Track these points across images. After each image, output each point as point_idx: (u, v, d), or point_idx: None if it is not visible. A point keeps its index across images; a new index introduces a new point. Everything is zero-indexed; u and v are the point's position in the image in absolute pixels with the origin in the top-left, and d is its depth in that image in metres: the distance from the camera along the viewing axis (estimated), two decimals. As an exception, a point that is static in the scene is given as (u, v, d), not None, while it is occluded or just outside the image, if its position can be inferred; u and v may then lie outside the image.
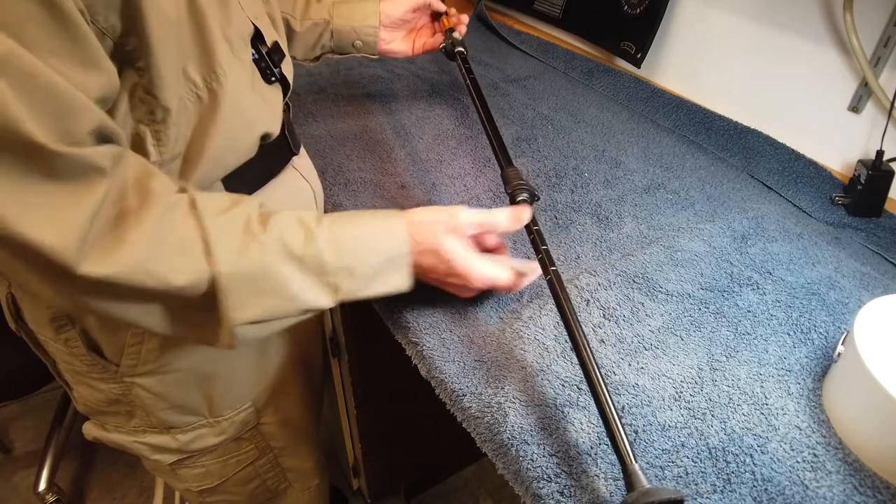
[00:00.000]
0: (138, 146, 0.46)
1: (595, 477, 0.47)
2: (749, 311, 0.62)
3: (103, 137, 0.40)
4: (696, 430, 0.50)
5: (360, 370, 0.97)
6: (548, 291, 0.63)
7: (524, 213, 0.57)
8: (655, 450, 0.49)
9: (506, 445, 0.49)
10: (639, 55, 1.06)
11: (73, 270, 0.38)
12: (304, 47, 0.85)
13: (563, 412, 0.51)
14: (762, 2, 0.89)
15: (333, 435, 1.22)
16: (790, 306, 0.63)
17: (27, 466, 1.43)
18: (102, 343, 0.57)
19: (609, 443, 0.49)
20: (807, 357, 0.58)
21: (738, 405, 0.53)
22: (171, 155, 0.48)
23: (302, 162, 0.67)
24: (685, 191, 0.82)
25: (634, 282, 0.65)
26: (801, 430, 0.51)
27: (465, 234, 0.55)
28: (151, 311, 0.45)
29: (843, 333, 0.55)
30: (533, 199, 0.61)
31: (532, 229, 0.58)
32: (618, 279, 0.65)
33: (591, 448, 0.49)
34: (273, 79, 0.56)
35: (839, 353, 0.52)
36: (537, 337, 0.58)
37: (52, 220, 0.37)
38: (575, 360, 0.56)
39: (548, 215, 0.76)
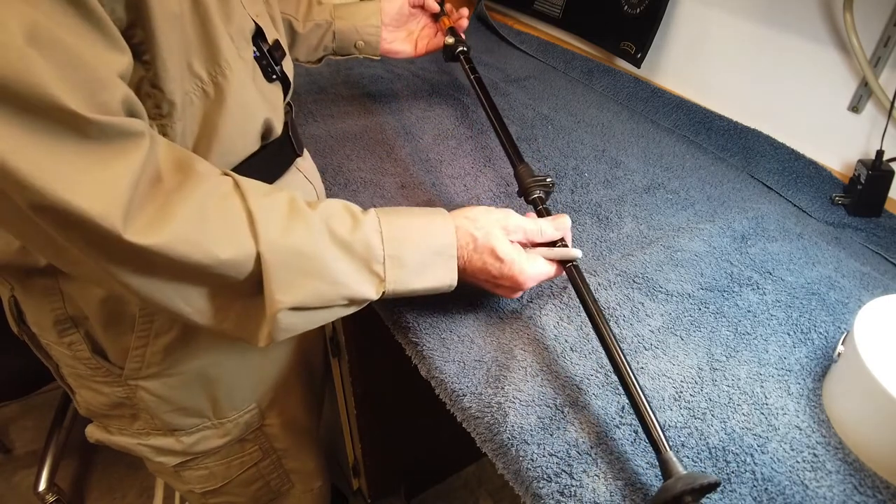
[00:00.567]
0: None
1: (595, 477, 0.47)
2: (749, 311, 0.62)
3: (131, 112, 0.40)
4: (696, 429, 0.50)
5: (360, 370, 0.97)
6: (548, 292, 0.64)
7: (567, 222, 0.58)
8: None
9: (506, 445, 0.49)
10: (639, 55, 1.06)
11: (120, 236, 0.37)
12: (307, 49, 0.85)
13: (563, 412, 0.51)
14: (762, 2, 0.89)
15: (333, 435, 1.22)
16: (790, 306, 0.63)
17: (27, 466, 1.43)
18: (107, 346, 0.57)
19: (609, 443, 0.49)
20: (807, 357, 0.58)
21: (738, 405, 0.53)
22: None
23: (305, 164, 0.67)
24: (685, 191, 0.82)
25: (634, 282, 0.65)
26: (801, 429, 0.51)
27: (514, 239, 0.55)
28: (193, 294, 0.44)
29: (843, 333, 0.55)
30: (548, 194, 0.63)
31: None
32: (618, 279, 0.65)
33: (591, 448, 0.49)
34: (274, 76, 0.56)
35: (839, 353, 0.52)
36: (537, 337, 0.58)
37: (93, 186, 0.36)
38: (575, 360, 0.56)
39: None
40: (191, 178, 0.42)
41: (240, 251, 0.43)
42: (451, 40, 0.86)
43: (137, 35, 0.41)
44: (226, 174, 0.46)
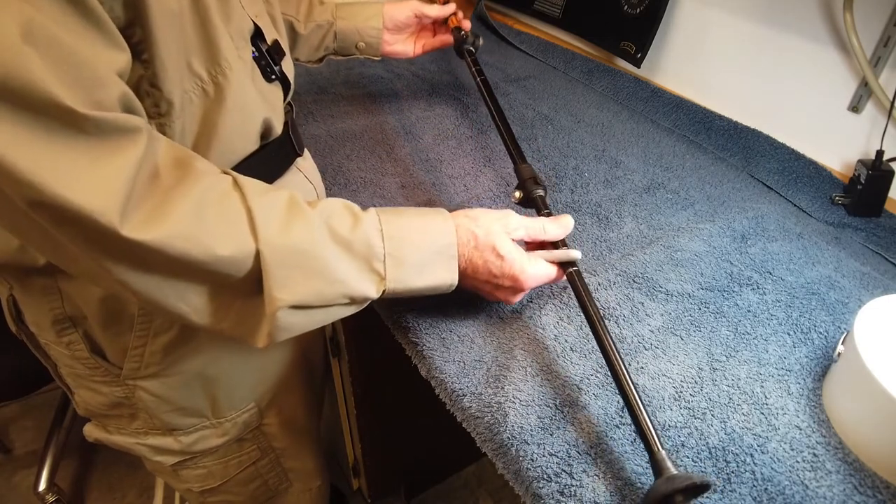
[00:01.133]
0: None
1: (595, 477, 0.47)
2: (749, 311, 0.62)
3: (129, 110, 0.40)
4: (696, 429, 0.50)
5: (360, 370, 0.97)
6: (548, 292, 0.63)
7: (570, 222, 0.58)
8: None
9: (506, 445, 0.49)
10: (639, 55, 1.06)
11: (117, 231, 0.37)
12: (308, 49, 0.86)
13: (563, 412, 0.51)
14: (762, 2, 0.89)
15: (333, 435, 1.22)
16: (790, 306, 0.63)
17: (27, 466, 1.43)
18: (105, 346, 0.57)
19: (609, 443, 0.49)
20: (807, 357, 0.58)
21: (738, 405, 0.53)
22: None
23: (306, 164, 0.67)
24: (685, 190, 0.82)
25: (634, 281, 0.65)
26: (801, 429, 0.51)
27: (516, 237, 0.55)
28: (191, 293, 0.44)
29: (843, 333, 0.55)
30: (545, 193, 0.63)
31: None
32: (618, 279, 0.65)
33: (591, 448, 0.49)
34: (273, 77, 0.56)
35: (839, 353, 0.52)
36: (537, 337, 0.58)
37: (90, 182, 0.36)
38: (575, 360, 0.56)
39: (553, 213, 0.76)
40: (189, 175, 0.42)
41: (239, 248, 0.43)
42: (466, 38, 0.87)
43: (136, 34, 0.41)
44: (225, 172, 0.46)
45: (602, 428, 0.50)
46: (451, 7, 0.91)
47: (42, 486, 1.24)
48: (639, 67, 1.08)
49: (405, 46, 0.90)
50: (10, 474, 1.43)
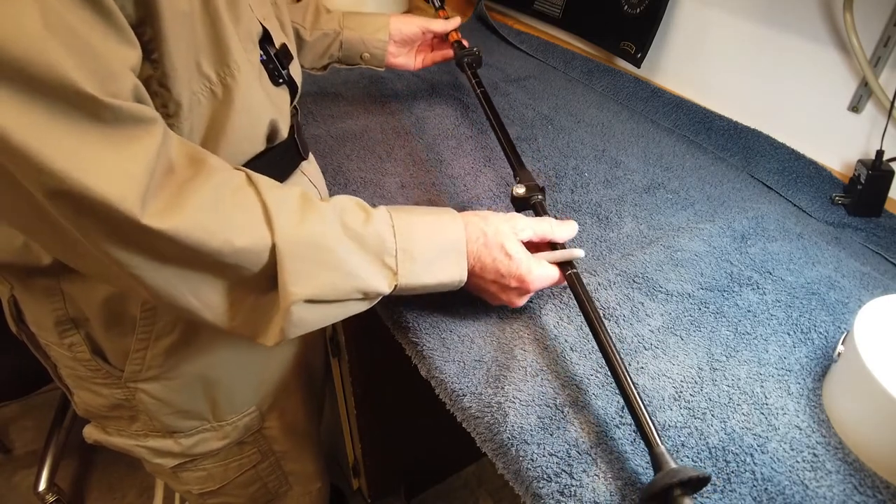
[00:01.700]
0: None
1: (595, 477, 0.47)
2: (749, 311, 0.62)
3: (140, 103, 0.40)
4: (696, 429, 0.50)
5: (360, 370, 0.97)
6: (548, 292, 0.64)
7: (575, 226, 0.59)
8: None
9: (506, 445, 0.49)
10: (639, 55, 1.06)
11: (137, 220, 0.37)
12: (313, 56, 0.87)
13: (563, 412, 0.51)
14: (762, 2, 0.89)
15: (333, 435, 1.22)
16: (790, 306, 0.63)
17: (27, 466, 1.43)
18: (107, 348, 0.57)
19: (609, 443, 0.49)
20: (807, 357, 0.58)
21: (738, 405, 0.53)
22: None
23: (311, 168, 0.67)
24: (685, 190, 0.82)
25: (634, 281, 0.65)
26: (801, 429, 0.51)
27: (523, 237, 0.56)
28: (204, 287, 0.44)
29: (843, 333, 0.55)
30: (543, 196, 0.64)
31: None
32: (618, 279, 0.65)
33: (591, 448, 0.49)
34: (280, 80, 0.56)
35: (839, 353, 0.52)
36: (537, 337, 0.58)
37: (111, 170, 0.36)
38: (575, 360, 0.56)
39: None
40: (203, 170, 0.42)
41: (255, 240, 0.43)
42: (467, 53, 0.89)
43: (147, 33, 0.41)
44: (238, 169, 0.46)
45: (602, 428, 0.50)
46: (455, 22, 0.93)
47: (42, 486, 1.24)
48: (639, 67, 1.08)
49: (407, 59, 0.92)
50: (10, 474, 1.43)
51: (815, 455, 0.49)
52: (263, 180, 0.46)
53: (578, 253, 0.57)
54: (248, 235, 0.43)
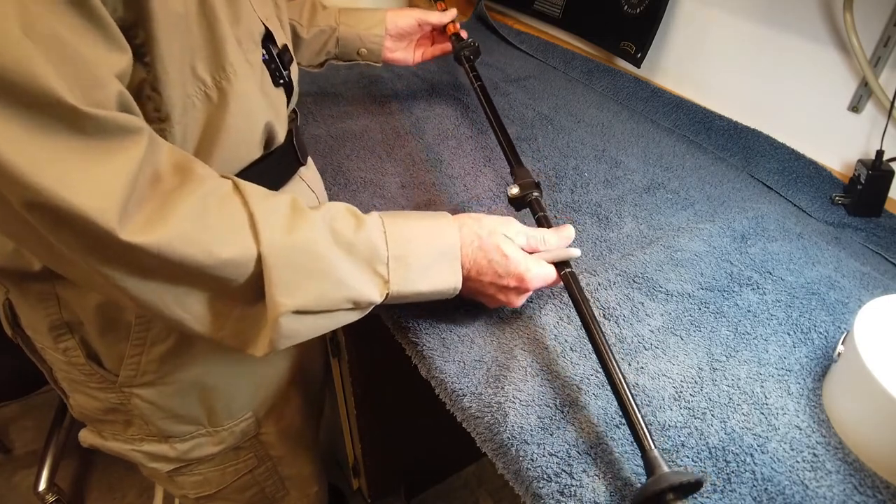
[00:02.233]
0: None
1: (595, 476, 0.47)
2: (749, 311, 0.62)
3: (126, 112, 0.39)
4: (696, 429, 0.50)
5: (360, 370, 0.97)
6: (548, 291, 0.64)
7: (571, 232, 0.59)
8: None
9: (506, 445, 0.49)
10: (639, 55, 1.06)
11: (115, 235, 0.36)
12: (310, 53, 0.86)
13: (563, 412, 0.51)
14: (762, 2, 0.89)
15: (333, 435, 1.22)
16: (790, 306, 0.63)
17: (27, 466, 1.43)
18: (102, 353, 0.56)
19: (609, 443, 0.49)
20: (807, 357, 0.58)
21: (738, 405, 0.53)
22: None
23: (309, 173, 0.66)
24: (685, 190, 0.82)
25: (634, 281, 0.65)
26: (801, 429, 0.51)
27: (517, 242, 0.55)
28: (191, 299, 0.43)
29: (843, 333, 0.55)
30: (542, 196, 0.64)
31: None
32: (618, 279, 0.65)
33: (591, 448, 0.49)
34: (281, 81, 0.56)
35: (839, 353, 0.52)
36: (537, 337, 0.58)
37: (88, 183, 0.35)
38: (575, 360, 0.56)
39: (548, 215, 0.76)
40: (190, 179, 0.41)
41: (241, 251, 0.42)
42: (463, 46, 0.88)
43: (139, 35, 0.40)
44: (225, 177, 0.45)
45: (602, 428, 0.50)
46: (452, 14, 0.91)
47: (42, 486, 1.24)
48: (639, 67, 1.08)
49: (406, 54, 0.91)
50: (10, 474, 1.43)
51: (815, 455, 0.49)
52: (251, 188, 0.45)
53: (575, 252, 0.57)
54: (233, 246, 0.42)
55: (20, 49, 0.32)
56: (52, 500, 1.25)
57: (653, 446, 0.43)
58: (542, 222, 0.60)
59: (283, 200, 0.46)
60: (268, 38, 0.53)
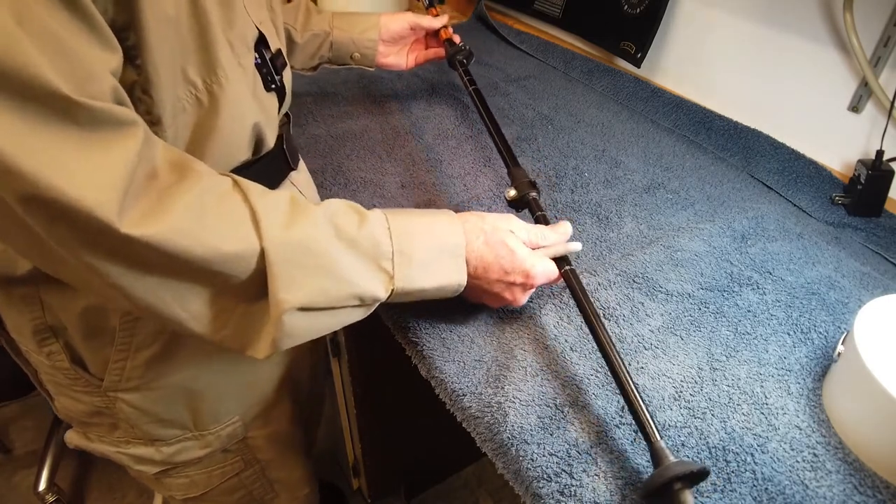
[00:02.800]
0: None
1: (595, 476, 0.47)
2: (749, 311, 0.62)
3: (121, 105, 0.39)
4: (696, 429, 0.50)
5: (360, 370, 0.97)
6: (548, 291, 0.64)
7: (568, 228, 0.59)
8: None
9: (506, 445, 0.49)
10: (639, 55, 1.06)
11: (114, 227, 0.35)
12: (304, 57, 0.86)
13: (563, 412, 0.51)
14: (762, 2, 0.89)
15: (333, 435, 1.22)
16: (790, 306, 0.63)
17: (27, 466, 1.43)
18: (86, 357, 0.56)
19: (609, 443, 0.49)
20: (807, 357, 0.58)
21: (738, 405, 0.53)
22: None
23: (300, 177, 0.66)
24: (685, 190, 0.82)
25: (634, 281, 0.65)
26: (801, 429, 0.51)
27: (518, 237, 0.55)
28: (191, 296, 0.42)
29: (843, 333, 0.55)
30: (539, 196, 0.64)
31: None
32: (618, 279, 0.65)
33: (591, 447, 0.49)
34: (273, 86, 0.56)
35: (839, 353, 0.52)
36: (537, 337, 0.58)
37: (87, 174, 0.35)
38: (575, 360, 0.56)
39: (547, 215, 0.76)
40: (188, 176, 0.41)
41: (243, 245, 0.41)
42: (457, 51, 0.88)
43: (130, 38, 0.40)
44: (224, 174, 0.45)
45: (602, 428, 0.50)
46: (444, 19, 0.92)
47: (42, 486, 1.24)
48: (639, 67, 1.08)
49: (398, 58, 0.91)
50: (10, 474, 1.43)
51: (815, 455, 0.49)
52: (251, 185, 0.44)
53: (576, 247, 0.57)
54: (235, 241, 0.41)
55: (13, 40, 0.32)
56: (52, 500, 1.25)
57: (659, 437, 0.44)
58: (541, 221, 0.60)
59: (283, 196, 0.45)
60: (261, 42, 0.53)
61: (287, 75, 0.60)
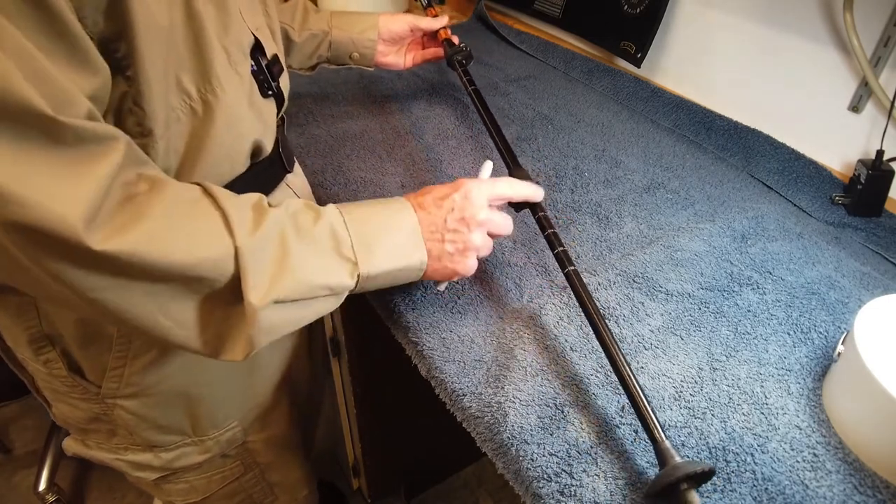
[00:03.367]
0: None
1: (595, 476, 0.47)
2: (749, 311, 0.62)
3: None
4: (696, 429, 0.50)
5: (360, 370, 0.97)
6: (548, 291, 0.64)
7: (540, 190, 0.59)
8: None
9: (506, 445, 0.49)
10: (639, 55, 1.06)
11: (84, 244, 0.35)
12: (302, 57, 0.86)
13: (563, 412, 0.51)
14: (762, 2, 0.89)
15: (333, 435, 1.22)
16: (790, 306, 0.63)
17: (27, 466, 1.43)
18: (84, 365, 0.56)
19: (608, 443, 0.49)
20: (807, 357, 0.58)
21: (738, 405, 0.53)
22: (162, 168, 0.46)
23: (296, 180, 0.66)
24: (685, 190, 0.82)
25: (634, 281, 0.65)
26: (801, 429, 0.51)
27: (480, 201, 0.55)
28: (175, 303, 0.42)
29: (843, 333, 0.55)
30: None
31: (547, 231, 0.58)
32: (618, 279, 0.65)
33: (591, 448, 0.49)
34: (270, 92, 0.55)
35: (839, 353, 0.52)
36: (537, 337, 0.58)
37: (58, 192, 0.34)
38: (575, 360, 0.56)
39: (548, 214, 0.76)
40: (158, 185, 0.40)
41: (219, 249, 0.42)
42: (456, 51, 0.87)
43: (120, 48, 0.40)
44: (192, 183, 0.45)
45: (602, 428, 0.50)
46: (444, 20, 0.92)
47: (42, 486, 1.24)
48: (639, 67, 1.08)
49: (397, 58, 0.91)
50: (10, 474, 1.43)
51: (815, 455, 0.49)
52: (219, 190, 0.44)
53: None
54: (210, 245, 0.41)
55: None
56: (52, 500, 1.25)
57: (664, 437, 0.44)
58: (543, 222, 0.60)
59: (248, 198, 0.46)
60: (257, 48, 0.53)
61: (284, 81, 0.60)
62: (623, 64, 1.13)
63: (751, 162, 0.89)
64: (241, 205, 0.44)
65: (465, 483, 1.41)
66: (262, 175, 0.58)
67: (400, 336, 0.62)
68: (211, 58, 0.46)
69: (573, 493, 0.46)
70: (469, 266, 0.55)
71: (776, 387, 0.54)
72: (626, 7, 1.07)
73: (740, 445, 0.49)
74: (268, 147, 0.57)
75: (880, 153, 0.76)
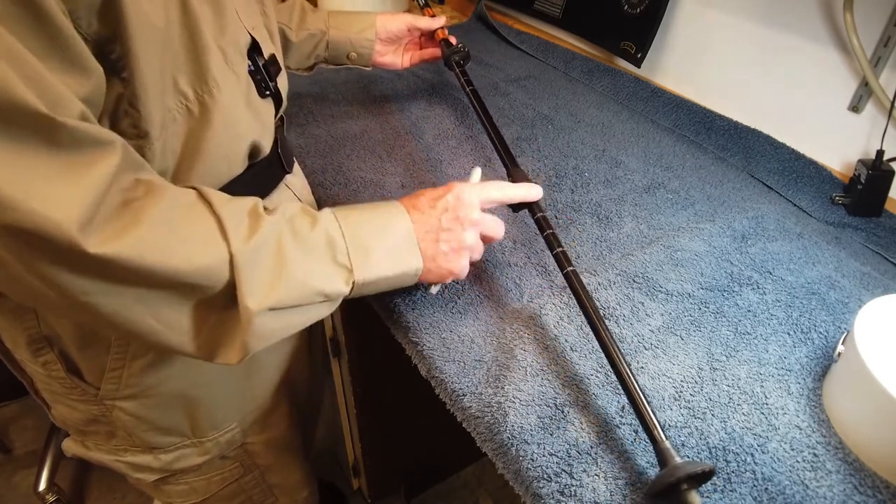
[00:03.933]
0: None
1: (595, 476, 0.47)
2: (749, 311, 0.62)
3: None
4: (696, 429, 0.50)
5: (360, 370, 0.97)
6: (548, 291, 0.64)
7: (539, 189, 0.59)
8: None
9: (506, 445, 0.49)
10: (639, 55, 1.06)
11: (79, 247, 0.35)
12: (299, 57, 0.86)
13: (563, 412, 0.51)
14: (762, 2, 0.89)
15: (333, 435, 1.22)
16: (790, 306, 0.63)
17: (27, 466, 1.43)
18: (82, 366, 0.56)
19: (609, 443, 0.49)
20: (807, 357, 0.58)
21: (738, 405, 0.53)
22: (159, 170, 0.46)
23: (295, 180, 0.66)
24: (685, 190, 0.82)
25: (634, 281, 0.65)
26: (801, 429, 0.51)
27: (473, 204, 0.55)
28: (167, 308, 0.42)
29: (843, 333, 0.55)
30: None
31: (546, 231, 0.58)
32: (618, 279, 0.65)
33: (591, 448, 0.49)
34: (267, 92, 0.55)
35: (839, 353, 0.52)
36: (537, 337, 0.58)
37: (54, 194, 0.34)
38: (575, 360, 0.56)
39: (548, 215, 0.76)
40: (153, 190, 0.40)
41: (214, 255, 0.41)
42: (453, 52, 0.87)
43: (115, 50, 0.39)
44: (188, 186, 0.45)
45: (602, 428, 0.50)
46: (441, 20, 0.91)
47: (42, 486, 1.24)
48: (639, 67, 1.08)
49: (395, 58, 0.91)
50: (10, 474, 1.43)
51: (815, 455, 0.49)
52: (215, 195, 0.44)
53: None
54: (205, 251, 0.41)
55: None
56: (52, 500, 1.25)
57: (664, 438, 0.44)
58: (542, 223, 0.60)
59: (244, 204, 0.46)
60: (254, 49, 0.53)
61: (282, 81, 0.60)
62: (623, 64, 1.13)
63: (751, 162, 0.89)
64: (237, 210, 0.44)
65: (465, 483, 1.41)
66: (260, 176, 0.58)
67: (400, 336, 0.62)
68: (207, 58, 0.46)
69: (573, 493, 0.46)
70: (462, 266, 0.55)
71: (776, 387, 0.54)
72: (626, 7, 1.07)
73: (740, 445, 0.49)
74: (266, 147, 0.57)
75: (880, 153, 0.76)
